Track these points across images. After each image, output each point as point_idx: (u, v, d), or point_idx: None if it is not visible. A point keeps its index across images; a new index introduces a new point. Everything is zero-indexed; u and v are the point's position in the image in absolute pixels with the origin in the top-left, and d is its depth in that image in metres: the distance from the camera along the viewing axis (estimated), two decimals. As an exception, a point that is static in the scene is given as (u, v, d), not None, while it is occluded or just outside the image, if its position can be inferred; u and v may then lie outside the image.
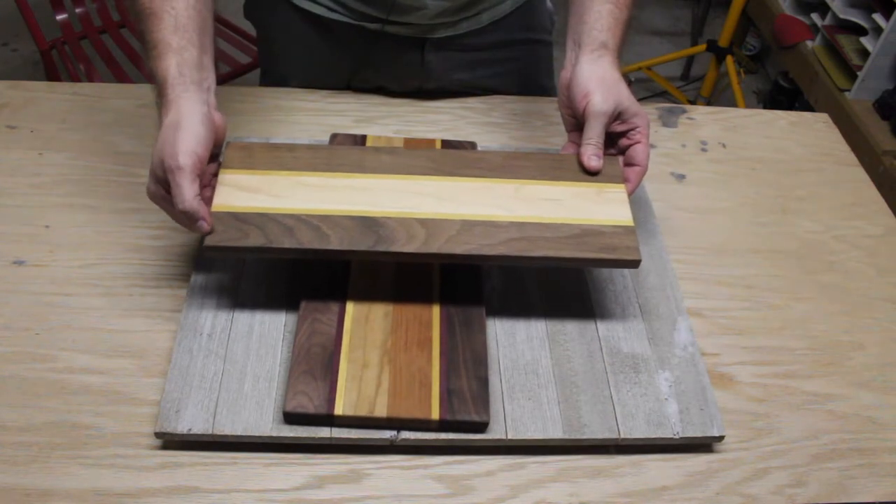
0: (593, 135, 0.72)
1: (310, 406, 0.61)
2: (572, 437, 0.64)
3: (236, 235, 0.63)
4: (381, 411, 0.61)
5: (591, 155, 0.72)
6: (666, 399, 0.67)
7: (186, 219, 0.62)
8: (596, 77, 0.71)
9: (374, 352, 0.65)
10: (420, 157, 0.72)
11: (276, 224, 0.65)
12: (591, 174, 0.72)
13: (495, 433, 0.63)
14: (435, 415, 0.62)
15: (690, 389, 0.68)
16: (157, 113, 0.65)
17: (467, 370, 0.64)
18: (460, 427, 0.62)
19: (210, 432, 0.61)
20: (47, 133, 0.88)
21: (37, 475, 0.60)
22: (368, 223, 0.65)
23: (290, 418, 0.62)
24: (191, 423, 0.61)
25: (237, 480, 0.61)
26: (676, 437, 0.64)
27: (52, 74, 1.67)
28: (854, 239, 0.88)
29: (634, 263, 0.66)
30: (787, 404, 0.71)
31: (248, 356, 0.66)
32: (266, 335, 0.68)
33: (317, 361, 0.64)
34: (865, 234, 0.89)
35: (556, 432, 0.64)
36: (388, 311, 0.68)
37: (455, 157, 0.73)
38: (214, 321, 0.68)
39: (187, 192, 0.60)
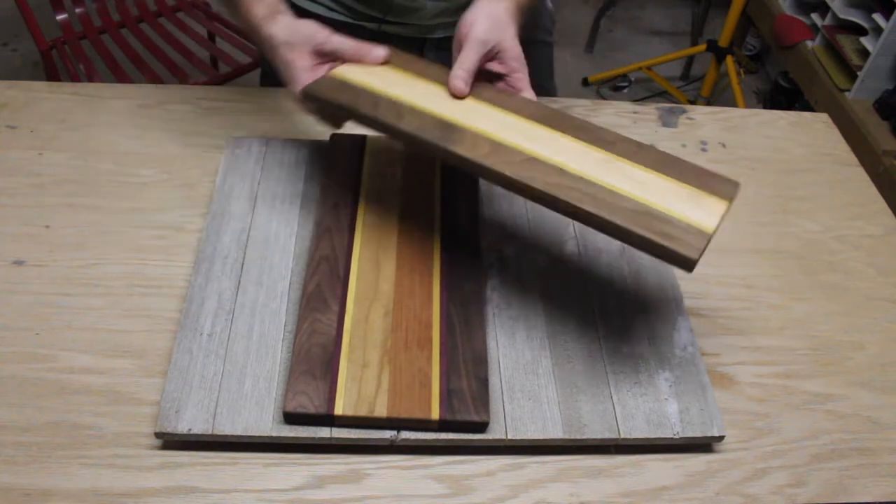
0: (465, 59, 0.69)
1: (310, 406, 0.61)
2: (572, 437, 0.64)
3: (330, 90, 0.68)
4: (381, 411, 0.61)
5: (458, 78, 0.68)
6: (666, 399, 0.67)
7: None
8: (485, 11, 0.70)
9: (374, 352, 0.65)
10: (533, 105, 0.69)
11: (367, 95, 0.68)
12: (456, 98, 0.68)
13: (495, 433, 0.63)
14: (435, 415, 0.62)
15: (690, 389, 0.68)
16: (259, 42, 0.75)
17: (467, 370, 0.65)
18: (460, 427, 0.62)
19: (210, 432, 0.61)
20: (47, 133, 0.88)
21: (37, 475, 0.60)
22: (446, 126, 0.66)
23: (290, 418, 0.62)
24: (191, 423, 0.61)
25: (237, 480, 0.61)
26: (676, 437, 0.64)
27: (52, 74, 1.67)
28: (854, 239, 0.88)
29: (688, 262, 0.57)
30: (787, 404, 0.71)
31: (248, 356, 0.66)
32: (266, 335, 0.68)
33: (317, 361, 0.64)
34: (865, 234, 0.89)
35: (556, 432, 0.64)
36: (388, 311, 0.68)
37: (573, 120, 0.68)
38: (214, 321, 0.68)
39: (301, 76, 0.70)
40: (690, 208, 0.60)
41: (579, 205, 0.59)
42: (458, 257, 0.74)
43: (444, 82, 0.70)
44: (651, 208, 0.60)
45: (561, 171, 0.62)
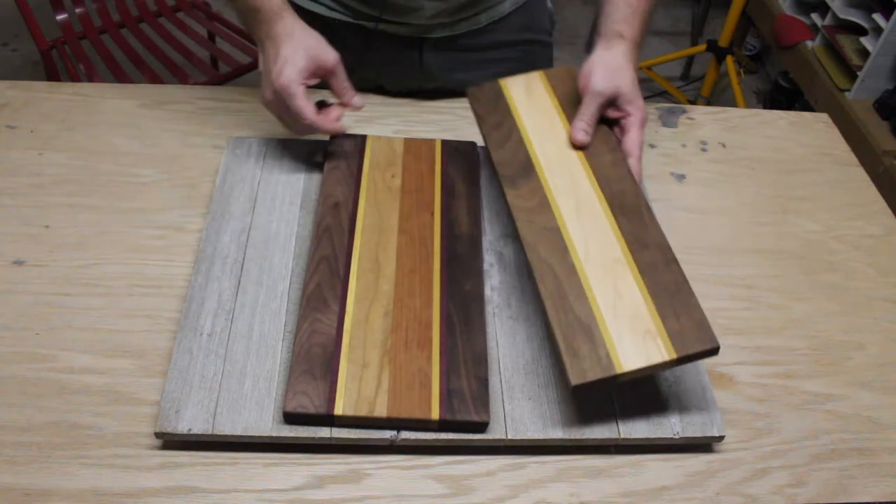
0: (585, 112, 0.73)
1: (310, 406, 0.61)
2: (572, 437, 0.64)
3: (490, 93, 0.79)
4: (380, 411, 0.61)
5: (579, 129, 0.73)
6: (666, 399, 0.67)
7: (305, 129, 0.78)
8: (602, 61, 0.74)
9: (374, 352, 0.65)
10: (618, 181, 0.73)
11: (503, 113, 0.80)
12: (576, 148, 0.74)
13: (495, 433, 0.63)
14: (435, 415, 0.62)
15: (690, 389, 0.68)
16: (258, 39, 0.79)
17: (467, 370, 0.64)
18: (460, 427, 0.62)
19: (210, 432, 0.61)
20: (47, 133, 0.88)
21: (37, 475, 0.60)
22: (527, 166, 0.75)
23: (290, 418, 0.62)
24: (191, 423, 0.61)
25: (237, 480, 0.61)
26: (676, 437, 0.64)
27: (52, 74, 1.67)
28: (854, 239, 0.88)
29: (568, 380, 0.60)
30: (787, 404, 0.71)
31: (248, 356, 0.66)
32: (266, 335, 0.68)
33: (317, 361, 0.64)
34: (865, 234, 0.89)
35: (556, 432, 0.64)
36: (388, 311, 0.68)
37: (635, 208, 0.71)
38: (214, 321, 0.68)
39: (307, 111, 0.75)
40: (631, 342, 0.61)
41: (541, 285, 0.65)
42: (458, 257, 0.74)
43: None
44: (595, 323, 0.62)
45: (563, 254, 0.67)
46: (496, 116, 0.79)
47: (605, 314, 0.63)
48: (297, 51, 0.75)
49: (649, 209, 0.71)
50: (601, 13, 0.79)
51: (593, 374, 0.60)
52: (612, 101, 0.74)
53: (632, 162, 0.73)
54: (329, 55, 0.77)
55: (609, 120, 0.76)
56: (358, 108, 0.82)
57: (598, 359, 0.60)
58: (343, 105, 0.82)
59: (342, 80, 0.79)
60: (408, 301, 0.69)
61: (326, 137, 0.85)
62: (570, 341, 0.61)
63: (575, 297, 0.64)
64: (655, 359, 0.60)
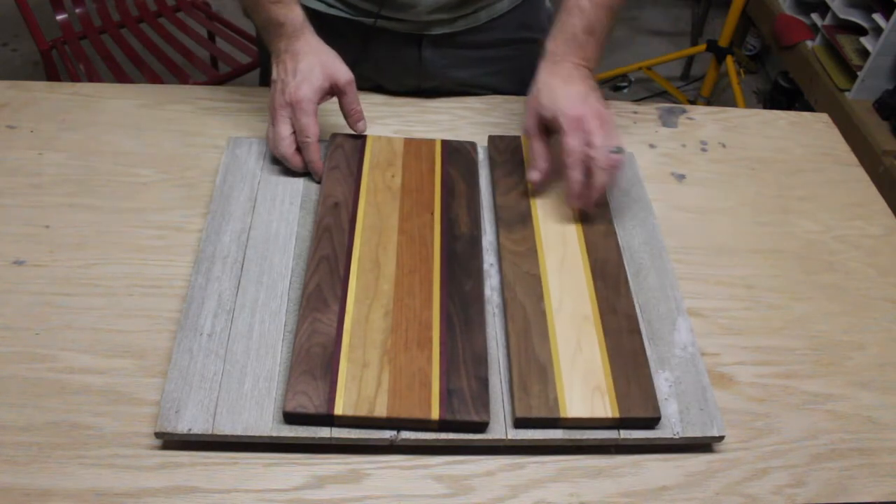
0: (535, 151, 0.79)
1: (310, 406, 0.61)
2: (572, 437, 0.64)
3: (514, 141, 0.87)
4: (380, 411, 0.61)
5: (534, 174, 0.80)
6: (666, 399, 0.67)
7: (287, 151, 0.80)
8: (542, 81, 0.79)
9: (374, 352, 0.65)
10: (602, 246, 0.77)
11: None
12: (575, 219, 0.79)
13: (495, 433, 0.63)
14: (435, 415, 0.62)
15: (690, 389, 0.68)
16: (272, 57, 0.83)
17: (467, 370, 0.64)
18: (460, 427, 0.62)
19: (210, 432, 0.61)
20: (47, 133, 0.88)
21: (37, 475, 0.60)
22: (525, 216, 0.80)
23: (290, 418, 0.62)
24: (191, 423, 0.61)
25: (237, 480, 0.61)
26: (676, 437, 0.64)
27: (52, 74, 1.68)
28: (854, 239, 0.88)
29: (514, 412, 0.64)
30: (787, 404, 0.71)
31: (248, 356, 0.66)
32: (266, 335, 0.68)
33: (317, 361, 0.64)
34: (865, 234, 0.89)
35: (555, 432, 0.64)
36: (388, 311, 0.68)
37: (615, 272, 0.75)
38: (214, 321, 0.68)
39: (311, 129, 0.79)
40: (580, 393, 0.64)
41: (510, 322, 0.69)
42: (458, 257, 0.74)
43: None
44: (552, 368, 0.66)
45: (538, 300, 0.71)
46: (509, 166, 0.85)
47: (562, 362, 0.66)
48: (315, 68, 0.78)
49: (627, 282, 0.74)
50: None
51: (538, 412, 0.63)
52: (557, 124, 0.77)
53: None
54: (343, 74, 0.80)
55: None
56: (361, 132, 0.85)
57: (547, 399, 0.64)
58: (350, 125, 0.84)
59: (352, 101, 0.82)
60: (408, 301, 0.69)
61: (326, 137, 0.85)
62: (525, 377, 0.65)
63: (539, 339, 0.68)
64: (599, 413, 0.63)
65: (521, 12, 0.97)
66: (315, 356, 0.64)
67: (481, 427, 0.63)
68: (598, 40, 0.80)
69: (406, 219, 0.77)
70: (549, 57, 0.80)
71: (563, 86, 0.77)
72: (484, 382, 0.64)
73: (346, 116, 0.83)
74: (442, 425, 0.62)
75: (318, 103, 0.79)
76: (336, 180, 0.80)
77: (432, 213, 0.78)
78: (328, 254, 0.72)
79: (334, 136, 0.84)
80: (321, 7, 0.91)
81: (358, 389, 0.62)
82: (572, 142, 0.74)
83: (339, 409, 0.61)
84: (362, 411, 0.61)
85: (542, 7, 1.01)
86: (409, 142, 0.85)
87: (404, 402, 0.62)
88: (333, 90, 0.81)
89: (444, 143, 0.85)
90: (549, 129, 0.79)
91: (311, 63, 0.78)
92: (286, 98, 0.78)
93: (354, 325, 0.67)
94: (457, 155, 0.84)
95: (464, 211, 0.78)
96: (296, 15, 0.80)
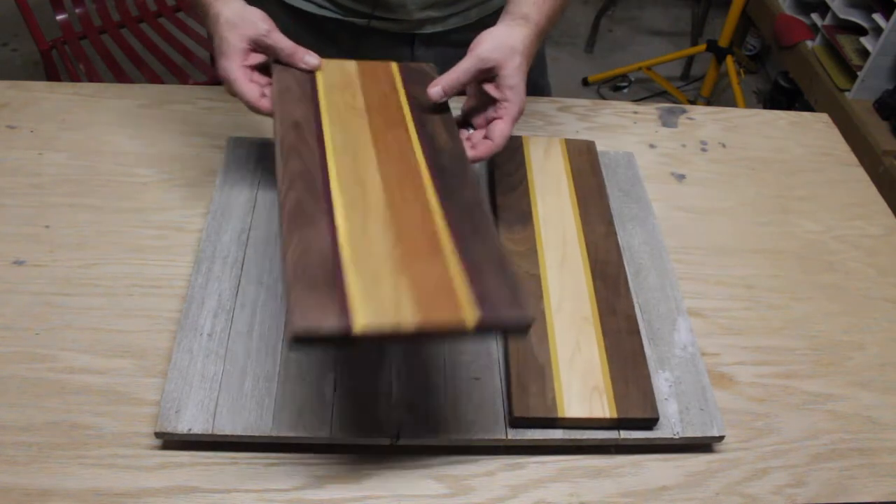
0: (453, 71, 0.69)
1: (324, 321, 0.50)
2: (572, 437, 0.64)
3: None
4: (408, 322, 0.51)
5: (436, 83, 0.70)
6: (666, 399, 0.67)
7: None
8: (496, 34, 0.70)
9: (384, 263, 0.55)
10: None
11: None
12: (432, 101, 0.70)
13: (495, 433, 0.63)
14: (471, 317, 0.52)
15: (690, 389, 0.68)
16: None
17: (494, 271, 0.55)
18: (502, 327, 0.55)
19: (210, 432, 0.61)
20: (47, 133, 0.88)
21: (37, 475, 0.60)
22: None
23: (301, 342, 0.50)
24: (191, 423, 0.61)
25: (237, 480, 0.61)
26: (676, 437, 0.64)
27: (52, 74, 1.67)
28: (854, 239, 0.88)
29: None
30: (787, 404, 0.71)
31: (248, 356, 0.66)
32: (266, 335, 0.68)
33: (319, 279, 0.53)
34: (865, 234, 0.89)
35: (555, 432, 0.64)
36: (386, 223, 0.59)
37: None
38: (214, 321, 0.68)
39: (249, 95, 0.70)
40: (578, 393, 0.64)
41: None
42: (446, 169, 0.65)
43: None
44: (550, 368, 0.66)
45: (538, 300, 0.71)
46: (511, 165, 0.85)
47: (561, 362, 0.66)
48: (230, 33, 0.71)
49: (626, 282, 0.74)
50: None
51: (536, 412, 0.63)
52: (490, 75, 0.70)
53: (489, 146, 0.70)
54: (258, 28, 0.71)
55: (486, 96, 0.72)
56: (315, 67, 0.74)
57: (545, 399, 0.63)
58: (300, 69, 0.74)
59: (283, 49, 0.72)
60: (406, 212, 0.60)
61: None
62: (523, 377, 0.65)
63: (538, 339, 0.67)
64: (597, 413, 0.63)
65: None
66: (314, 274, 0.53)
67: (524, 327, 0.54)
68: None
69: (379, 135, 0.68)
70: (521, 17, 0.74)
71: (521, 58, 0.72)
72: (514, 281, 0.55)
73: (291, 65, 0.74)
74: (480, 327, 0.52)
75: (249, 66, 0.71)
76: (290, 101, 0.70)
77: (406, 131, 0.69)
78: (301, 170, 0.62)
79: (276, 62, 0.74)
80: (312, 8, 0.91)
81: (377, 300, 0.52)
82: (510, 128, 0.71)
83: (361, 322, 0.50)
84: (387, 321, 0.51)
85: None
86: (362, 63, 0.77)
87: (434, 310, 0.52)
88: (259, 49, 0.72)
89: (402, 65, 0.78)
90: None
91: (226, 32, 0.71)
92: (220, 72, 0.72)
93: (353, 237, 0.57)
94: (417, 76, 0.76)
95: (441, 128, 0.70)
96: None
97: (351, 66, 0.77)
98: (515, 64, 0.70)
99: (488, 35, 0.71)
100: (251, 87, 0.71)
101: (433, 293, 0.53)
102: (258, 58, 0.73)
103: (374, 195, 0.61)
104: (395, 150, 0.66)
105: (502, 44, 0.70)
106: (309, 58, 0.73)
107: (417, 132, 0.69)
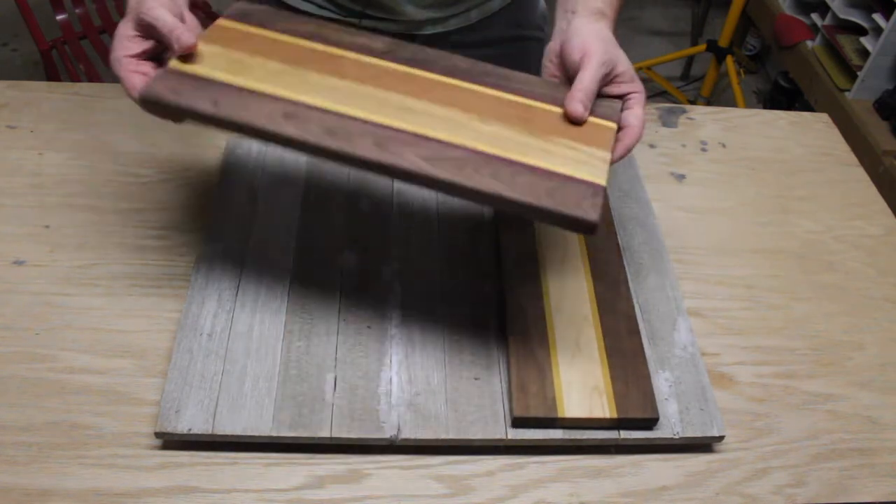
0: (586, 80, 0.63)
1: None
2: (572, 437, 0.64)
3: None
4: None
5: (577, 100, 0.62)
6: (666, 399, 0.67)
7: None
8: (595, 35, 0.66)
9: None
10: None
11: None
12: (574, 124, 0.62)
13: (496, 433, 0.63)
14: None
15: (690, 389, 0.68)
16: None
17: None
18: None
19: (210, 432, 0.61)
20: (47, 133, 0.88)
21: (37, 475, 0.60)
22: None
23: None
24: (191, 423, 0.61)
25: (237, 480, 0.61)
26: (676, 437, 0.64)
27: (52, 74, 1.67)
28: (854, 239, 0.88)
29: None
30: (787, 404, 0.71)
31: (248, 356, 0.66)
32: (266, 335, 0.68)
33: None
34: (865, 234, 0.89)
35: (556, 432, 0.64)
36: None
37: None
38: (214, 321, 0.68)
39: (129, 82, 0.59)
40: (578, 393, 0.65)
41: (510, 324, 0.69)
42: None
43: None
44: (549, 368, 0.66)
45: (538, 300, 0.71)
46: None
47: (561, 362, 0.67)
48: (126, 19, 0.61)
49: (626, 282, 0.74)
50: None
51: (536, 412, 0.63)
52: (610, 78, 0.67)
53: (633, 132, 0.65)
54: (145, 5, 0.60)
55: (610, 97, 0.69)
56: (189, 50, 0.64)
57: (545, 399, 0.64)
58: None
59: (162, 20, 0.62)
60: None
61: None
62: (523, 377, 0.65)
63: (538, 340, 0.68)
64: (597, 413, 0.63)
65: (513, 11, 0.97)
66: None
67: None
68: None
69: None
70: (599, 13, 0.70)
71: (618, 46, 0.69)
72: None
73: (166, 43, 0.63)
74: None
75: (136, 56, 0.61)
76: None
77: None
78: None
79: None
80: (311, 9, 0.91)
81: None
82: (643, 114, 0.67)
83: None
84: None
85: (535, 6, 1.01)
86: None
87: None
88: (140, 25, 0.62)
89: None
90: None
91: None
92: (128, 17, 0.61)
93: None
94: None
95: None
96: None
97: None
98: (625, 58, 0.68)
99: (588, 38, 0.66)
100: (133, 76, 0.59)
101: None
102: (146, 43, 0.62)
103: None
104: None
105: (605, 43, 0.67)
106: (185, 38, 0.62)
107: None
